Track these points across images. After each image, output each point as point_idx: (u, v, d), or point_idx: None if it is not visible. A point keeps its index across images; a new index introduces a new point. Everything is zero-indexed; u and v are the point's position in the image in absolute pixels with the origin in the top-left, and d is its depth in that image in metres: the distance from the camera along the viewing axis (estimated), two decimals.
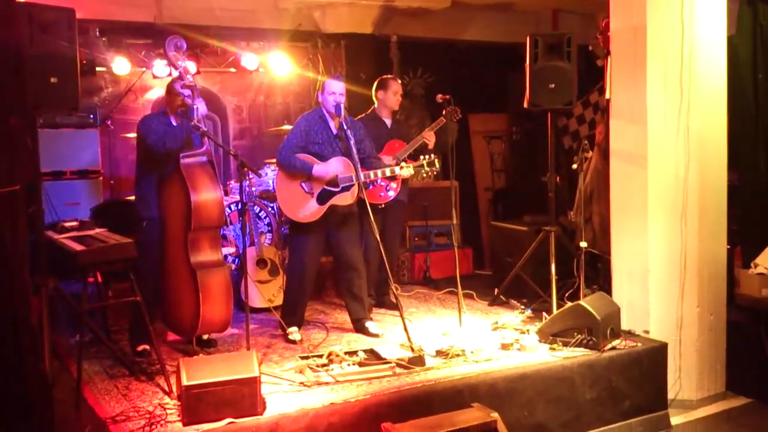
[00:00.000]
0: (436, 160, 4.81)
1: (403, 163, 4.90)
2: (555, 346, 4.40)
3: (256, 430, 3.41)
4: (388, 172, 4.77)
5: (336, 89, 4.77)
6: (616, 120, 4.93)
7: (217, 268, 4.39)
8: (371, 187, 5.36)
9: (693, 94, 4.62)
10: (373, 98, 5.70)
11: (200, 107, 4.41)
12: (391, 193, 5.57)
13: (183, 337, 4.63)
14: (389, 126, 5.69)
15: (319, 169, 4.74)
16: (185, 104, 4.40)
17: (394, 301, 5.81)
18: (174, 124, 4.58)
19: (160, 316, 4.57)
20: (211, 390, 3.42)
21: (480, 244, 8.01)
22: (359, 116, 5.54)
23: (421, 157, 4.87)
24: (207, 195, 4.32)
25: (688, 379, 4.69)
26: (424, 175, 4.86)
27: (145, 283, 4.21)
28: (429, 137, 5.58)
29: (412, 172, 4.81)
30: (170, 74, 7.15)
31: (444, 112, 5.58)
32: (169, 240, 4.44)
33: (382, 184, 5.47)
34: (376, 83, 5.70)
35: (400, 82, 5.77)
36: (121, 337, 4.91)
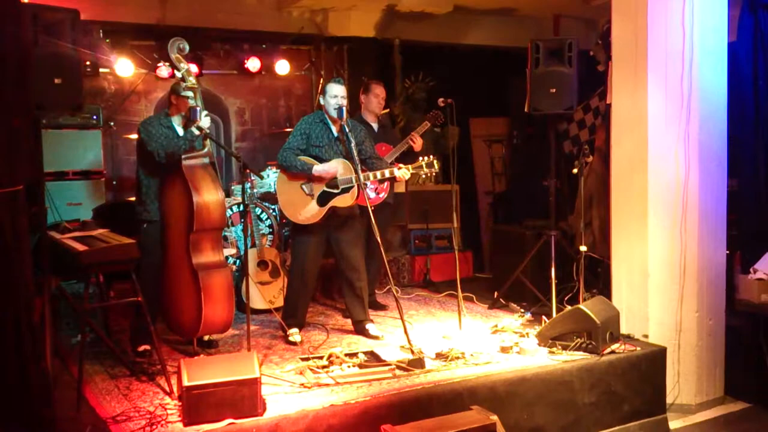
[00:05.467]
0: (434, 161, 4.81)
1: (401, 165, 4.91)
2: (554, 349, 4.42)
3: (256, 430, 3.42)
4: (387, 174, 4.78)
5: (337, 92, 4.78)
6: (617, 125, 4.95)
7: (219, 269, 4.41)
8: (372, 187, 5.39)
9: (693, 99, 4.64)
10: (360, 102, 5.73)
11: (201, 111, 4.40)
12: (382, 195, 5.59)
13: (184, 337, 4.64)
14: (376, 130, 5.69)
15: (320, 168, 4.75)
16: (189, 107, 4.40)
17: (380, 302, 5.85)
18: (174, 126, 4.56)
19: (160, 316, 4.59)
20: (211, 391, 3.43)
21: (480, 247, 8.02)
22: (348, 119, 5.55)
23: (420, 158, 4.87)
24: (209, 196, 4.34)
25: (687, 383, 4.71)
26: (423, 176, 4.87)
27: (145, 285, 4.22)
28: (414, 140, 5.59)
29: (410, 173, 4.82)
30: (172, 75, 7.19)
31: (427, 116, 5.65)
32: (170, 241, 4.45)
33: (372, 186, 5.49)
34: (361, 87, 5.70)
35: (383, 85, 5.72)
36: (122, 337, 4.93)
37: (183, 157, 4.36)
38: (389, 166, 4.92)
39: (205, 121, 4.43)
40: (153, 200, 4.55)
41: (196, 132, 4.37)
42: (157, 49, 7.05)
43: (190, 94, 4.44)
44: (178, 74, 4.48)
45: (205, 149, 4.45)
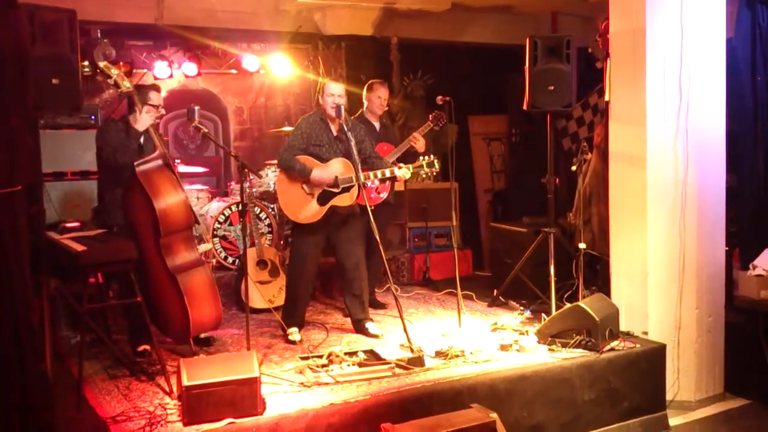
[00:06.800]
0: (435, 161, 4.82)
1: (401, 164, 4.91)
2: (554, 347, 4.42)
3: (256, 430, 3.42)
4: (387, 173, 4.79)
5: (335, 91, 4.80)
6: (616, 122, 4.95)
7: (195, 267, 4.39)
8: (371, 185, 5.39)
9: (692, 96, 4.64)
10: (363, 101, 5.74)
11: (145, 118, 4.40)
12: (383, 195, 5.61)
13: (177, 341, 4.61)
14: (378, 129, 5.72)
15: (318, 173, 4.75)
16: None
17: (379, 300, 5.85)
18: (137, 128, 4.51)
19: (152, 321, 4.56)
20: (211, 390, 3.43)
21: (479, 245, 8.02)
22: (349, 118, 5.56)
23: (421, 157, 4.89)
24: (170, 199, 4.29)
25: (686, 380, 4.71)
26: (424, 175, 4.88)
27: (128, 290, 4.14)
28: (416, 141, 5.61)
29: (410, 173, 4.83)
30: (171, 75, 7.18)
31: (430, 117, 5.67)
32: (143, 249, 4.34)
33: (373, 186, 5.49)
34: (365, 86, 5.74)
35: (386, 86, 5.76)
36: (121, 337, 4.92)
37: (135, 164, 4.29)
38: (389, 165, 4.92)
39: (145, 118, 4.41)
40: (116, 207, 4.49)
41: (140, 129, 4.40)
42: (155, 48, 7.04)
43: (125, 97, 4.43)
44: (111, 81, 4.42)
45: (157, 151, 4.40)
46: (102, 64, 4.44)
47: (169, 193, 4.29)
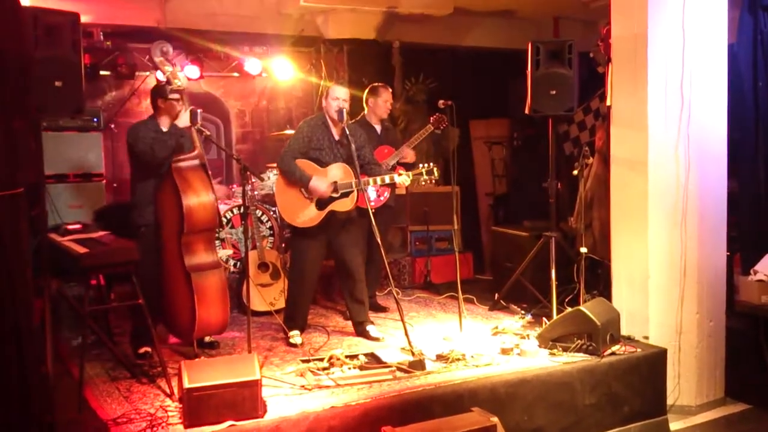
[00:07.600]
0: (434, 169, 4.83)
1: (401, 171, 4.92)
2: (555, 351, 4.42)
3: None
4: (387, 180, 4.79)
5: (340, 95, 4.80)
6: (617, 126, 4.95)
7: (211, 270, 4.43)
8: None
9: (693, 101, 4.64)
10: (364, 105, 5.75)
11: (185, 116, 4.43)
12: (382, 198, 5.61)
13: (182, 340, 4.66)
14: (379, 132, 5.74)
15: (316, 183, 4.74)
16: (190, 110, 4.42)
17: (380, 303, 5.85)
18: (163, 129, 4.55)
19: (161, 319, 4.59)
20: (212, 393, 3.43)
21: (480, 249, 8.02)
22: (350, 122, 5.57)
23: (420, 165, 4.89)
24: (199, 198, 4.35)
25: (687, 384, 4.70)
26: (423, 183, 4.89)
27: (143, 288, 4.19)
28: (405, 156, 5.64)
29: (410, 180, 4.83)
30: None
31: (431, 120, 5.69)
32: (165, 243, 4.47)
33: (374, 188, 5.50)
34: (367, 90, 5.76)
35: (391, 90, 5.79)
36: (123, 339, 4.93)
37: (173, 159, 4.37)
38: (388, 171, 4.93)
39: (186, 117, 4.44)
40: (146, 204, 4.53)
41: (180, 125, 4.42)
42: None
43: (176, 96, 4.48)
44: (163, 77, 4.53)
45: (195, 151, 4.45)
46: (158, 59, 4.52)
47: (199, 192, 4.36)
